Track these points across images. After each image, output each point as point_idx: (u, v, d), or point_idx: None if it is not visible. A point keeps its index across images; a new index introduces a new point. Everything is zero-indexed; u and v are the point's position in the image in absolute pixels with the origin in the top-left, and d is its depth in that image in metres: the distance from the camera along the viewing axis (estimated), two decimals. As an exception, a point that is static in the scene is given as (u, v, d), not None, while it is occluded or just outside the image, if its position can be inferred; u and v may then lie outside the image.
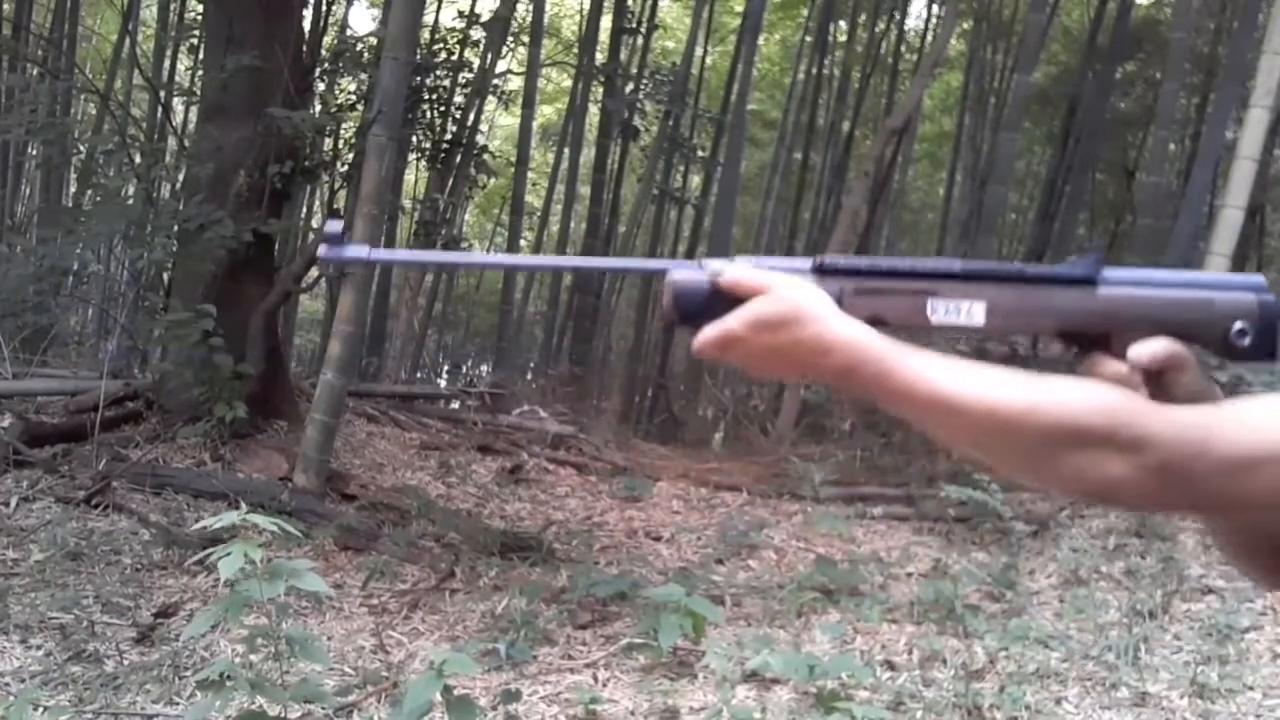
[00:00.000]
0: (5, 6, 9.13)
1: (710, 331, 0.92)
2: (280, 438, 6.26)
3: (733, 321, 0.91)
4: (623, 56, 11.77)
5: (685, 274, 0.97)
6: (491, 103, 12.09)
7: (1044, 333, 1.01)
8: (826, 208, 12.74)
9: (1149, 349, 0.94)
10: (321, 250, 1.05)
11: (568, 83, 13.56)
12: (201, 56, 7.87)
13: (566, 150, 12.86)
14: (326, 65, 7.50)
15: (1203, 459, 0.78)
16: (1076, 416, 0.81)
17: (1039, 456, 0.83)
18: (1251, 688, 3.72)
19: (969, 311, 0.98)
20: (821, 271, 0.98)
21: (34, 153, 10.49)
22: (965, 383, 0.85)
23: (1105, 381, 0.93)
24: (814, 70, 12.91)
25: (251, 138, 6.07)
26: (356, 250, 1.04)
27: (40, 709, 3.17)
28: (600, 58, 11.74)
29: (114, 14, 12.35)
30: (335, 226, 1.05)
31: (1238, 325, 0.96)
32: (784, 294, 0.91)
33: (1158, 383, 0.95)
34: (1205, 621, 4.25)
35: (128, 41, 10.37)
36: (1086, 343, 0.99)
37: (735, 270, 0.94)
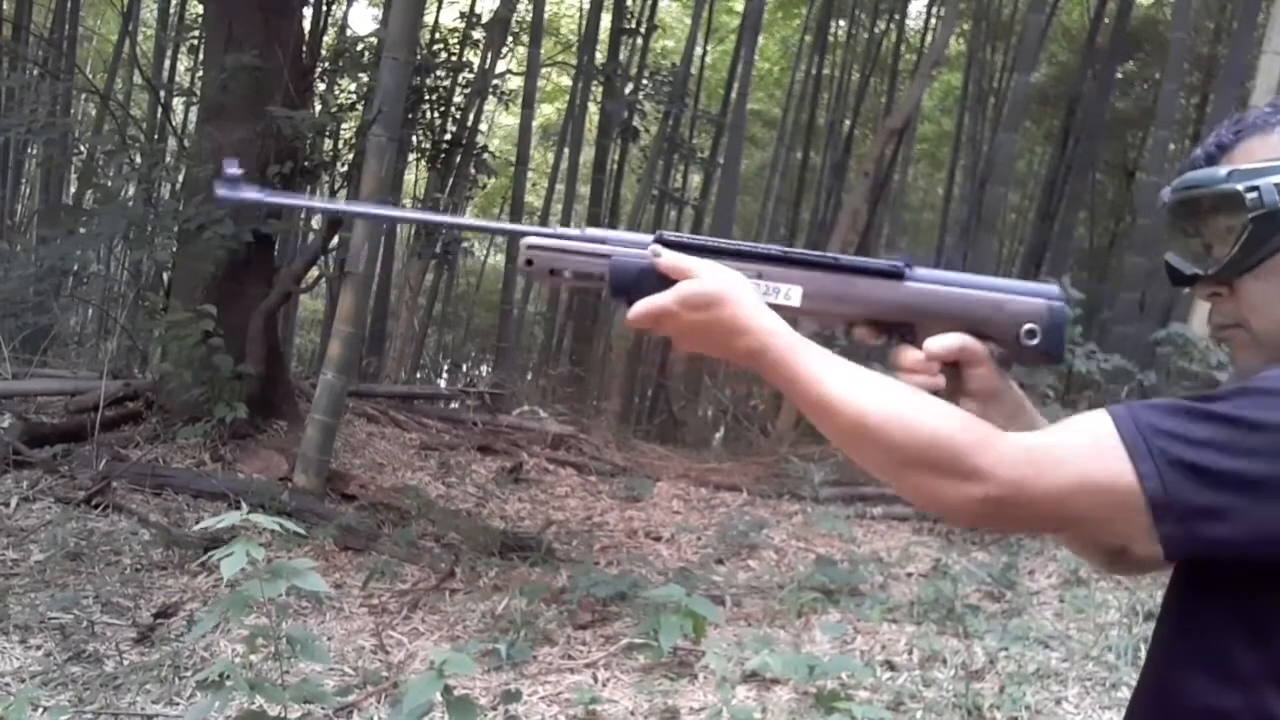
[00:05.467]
0: (5, 6, 9.12)
1: (646, 305, 1.03)
2: (280, 438, 6.25)
3: (667, 297, 1.01)
4: (622, 56, 11.76)
5: (624, 252, 1.08)
6: (491, 103, 12.09)
7: (854, 318, 1.09)
8: (826, 207, 12.75)
9: (942, 342, 1.03)
10: (219, 190, 1.11)
11: (567, 82, 13.56)
12: (201, 56, 7.87)
13: (566, 150, 12.86)
14: (326, 65, 7.50)
15: (1025, 493, 0.86)
16: (926, 440, 0.88)
17: (889, 468, 0.91)
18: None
19: (786, 293, 1.07)
20: (659, 244, 1.07)
21: (34, 153, 10.49)
22: (846, 386, 0.92)
23: (907, 370, 1.03)
24: (814, 70, 12.92)
25: (251, 138, 6.06)
26: (250, 190, 1.13)
27: (40, 709, 3.17)
28: (600, 58, 11.73)
29: (114, 14, 12.37)
30: (233, 167, 1.11)
31: (1027, 326, 1.03)
32: (712, 278, 1.01)
33: (954, 374, 1.04)
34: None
35: (128, 41, 10.37)
36: (894, 332, 1.07)
37: (672, 254, 1.05)
